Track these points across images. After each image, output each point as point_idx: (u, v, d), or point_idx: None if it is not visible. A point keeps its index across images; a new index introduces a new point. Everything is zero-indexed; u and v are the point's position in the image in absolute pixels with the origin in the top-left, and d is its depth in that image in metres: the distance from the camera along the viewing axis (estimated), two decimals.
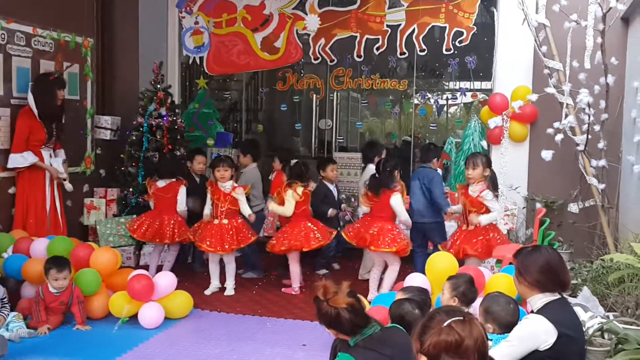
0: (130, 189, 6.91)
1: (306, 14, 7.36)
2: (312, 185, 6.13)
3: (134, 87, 7.52)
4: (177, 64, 7.92)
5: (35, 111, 5.77)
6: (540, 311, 2.92)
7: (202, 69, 8.00)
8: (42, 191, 5.97)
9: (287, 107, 8.61)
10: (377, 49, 7.23)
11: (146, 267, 6.09)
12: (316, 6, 7.34)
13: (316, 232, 5.76)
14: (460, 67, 7.29)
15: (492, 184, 5.17)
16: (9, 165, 5.76)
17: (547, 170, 6.18)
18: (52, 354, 4.24)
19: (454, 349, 1.92)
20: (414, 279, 4.37)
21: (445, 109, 9.59)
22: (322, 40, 7.40)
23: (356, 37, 7.29)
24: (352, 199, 7.67)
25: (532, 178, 6.48)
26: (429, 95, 9.23)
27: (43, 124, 5.85)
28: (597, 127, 5.70)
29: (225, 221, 5.72)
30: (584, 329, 3.31)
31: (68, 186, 6.19)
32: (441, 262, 4.51)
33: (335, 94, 9.25)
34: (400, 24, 7.09)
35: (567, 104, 5.78)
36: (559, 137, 5.69)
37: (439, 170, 6.16)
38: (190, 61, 7.93)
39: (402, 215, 5.47)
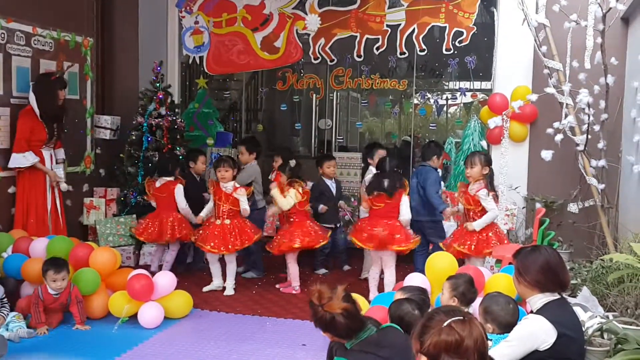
0: (130, 189, 6.92)
1: (306, 14, 7.36)
2: (309, 184, 6.19)
3: (133, 86, 7.52)
4: (177, 64, 7.92)
5: (37, 111, 5.78)
6: (539, 311, 2.92)
7: (202, 68, 8.00)
8: (43, 191, 5.97)
9: (287, 106, 8.61)
10: (377, 48, 7.23)
11: (146, 267, 6.09)
12: (316, 6, 7.34)
13: (318, 231, 5.84)
14: (460, 67, 7.29)
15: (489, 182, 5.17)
16: (10, 165, 5.76)
17: (546, 170, 6.18)
18: (52, 354, 4.23)
19: (454, 348, 1.92)
20: (414, 279, 4.36)
21: (445, 109, 9.58)
22: (322, 40, 7.41)
23: (356, 36, 7.29)
24: (352, 199, 7.67)
25: (531, 178, 6.48)
26: (429, 95, 9.24)
27: (44, 124, 5.86)
28: (596, 127, 5.70)
29: (227, 221, 5.73)
30: (584, 329, 3.31)
31: (63, 186, 6.17)
32: (441, 262, 4.51)
33: (335, 93, 9.26)
34: (400, 24, 7.09)
35: (567, 104, 5.78)
36: (558, 137, 5.69)
37: (439, 171, 6.13)
38: (190, 61, 7.93)
39: (409, 214, 5.42)
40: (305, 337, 4.59)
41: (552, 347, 2.80)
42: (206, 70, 7.92)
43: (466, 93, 7.67)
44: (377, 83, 7.75)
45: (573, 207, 6.04)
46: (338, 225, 6.56)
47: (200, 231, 5.82)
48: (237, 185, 5.82)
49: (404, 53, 7.13)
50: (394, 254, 5.37)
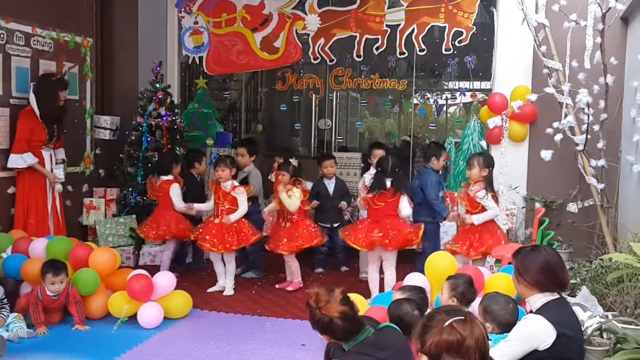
0: (130, 189, 6.92)
1: (306, 14, 7.36)
2: (309, 184, 6.22)
3: (133, 87, 7.52)
4: (177, 64, 7.92)
5: (37, 112, 5.77)
6: (539, 311, 2.92)
7: (201, 68, 7.99)
8: (43, 191, 5.96)
9: (287, 107, 8.60)
10: (377, 48, 7.23)
11: (146, 267, 6.08)
12: (316, 6, 7.34)
13: (318, 231, 5.88)
14: (459, 67, 7.29)
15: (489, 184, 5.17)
16: (9, 165, 5.75)
17: (546, 170, 6.18)
18: (51, 353, 4.23)
19: (456, 348, 1.93)
20: (414, 279, 4.36)
21: (444, 108, 9.57)
22: (322, 40, 7.41)
23: (356, 36, 7.29)
24: (352, 199, 7.66)
25: (531, 178, 6.48)
26: (429, 95, 9.24)
27: (44, 125, 5.85)
28: (596, 127, 5.71)
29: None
30: (583, 329, 3.31)
31: (57, 187, 6.13)
32: (440, 262, 4.51)
33: (334, 93, 9.25)
34: (399, 24, 7.09)
35: (566, 104, 5.78)
36: (558, 137, 5.69)
37: (440, 172, 6.11)
38: (190, 61, 7.93)
39: (409, 209, 5.37)
40: (305, 337, 4.59)
41: (551, 346, 2.80)
42: (206, 71, 7.91)
43: (466, 93, 7.67)
44: (377, 83, 7.75)
45: (572, 207, 6.05)
46: (336, 225, 6.54)
47: (200, 230, 5.83)
48: (236, 184, 5.82)
49: (404, 53, 7.14)
50: (395, 252, 5.35)
